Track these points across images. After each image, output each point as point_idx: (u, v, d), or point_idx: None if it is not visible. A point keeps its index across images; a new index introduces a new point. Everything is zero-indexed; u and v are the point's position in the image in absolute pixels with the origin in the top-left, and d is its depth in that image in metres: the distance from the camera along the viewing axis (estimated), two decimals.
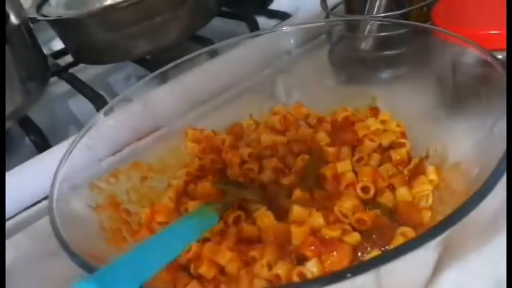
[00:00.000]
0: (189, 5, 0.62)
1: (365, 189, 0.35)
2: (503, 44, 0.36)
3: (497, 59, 0.30)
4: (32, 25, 0.61)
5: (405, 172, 0.36)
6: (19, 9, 0.56)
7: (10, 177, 0.46)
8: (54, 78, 0.68)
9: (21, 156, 0.51)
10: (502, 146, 0.25)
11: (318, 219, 0.32)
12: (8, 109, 0.52)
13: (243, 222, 0.34)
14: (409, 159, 0.37)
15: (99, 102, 0.56)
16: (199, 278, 0.31)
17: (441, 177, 0.34)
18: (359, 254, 0.30)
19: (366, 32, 0.50)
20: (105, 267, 0.21)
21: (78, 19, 0.60)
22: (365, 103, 0.42)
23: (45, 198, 0.45)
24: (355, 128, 0.40)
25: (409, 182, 0.35)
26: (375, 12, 0.50)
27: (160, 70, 0.43)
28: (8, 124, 0.54)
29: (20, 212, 0.46)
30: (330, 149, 0.39)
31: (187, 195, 0.40)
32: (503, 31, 0.36)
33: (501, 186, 0.23)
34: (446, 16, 0.41)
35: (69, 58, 0.71)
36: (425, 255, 0.28)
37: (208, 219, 0.31)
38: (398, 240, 0.30)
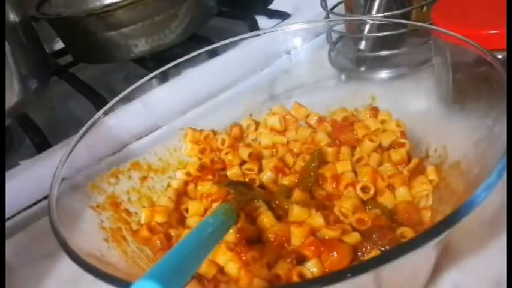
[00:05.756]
0: (189, 5, 0.62)
1: (365, 189, 0.35)
2: (503, 44, 0.36)
3: (497, 59, 0.30)
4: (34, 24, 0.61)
5: (405, 172, 0.36)
6: (20, 7, 0.56)
7: (10, 177, 0.46)
8: (54, 78, 0.68)
9: (21, 156, 0.51)
10: (502, 146, 0.25)
11: (317, 219, 0.32)
12: (6, 106, 0.51)
13: (243, 222, 0.34)
14: (409, 159, 0.37)
15: (99, 102, 0.56)
16: (199, 277, 0.31)
17: (441, 177, 0.34)
18: (359, 254, 0.30)
19: (365, 32, 0.50)
20: (155, 265, 0.21)
21: (77, 18, 0.60)
22: (365, 103, 0.42)
23: (45, 198, 0.45)
24: (354, 128, 0.40)
25: (409, 182, 0.35)
26: (374, 12, 0.50)
27: (160, 70, 0.43)
28: (7, 122, 0.54)
29: (20, 212, 0.46)
30: (330, 149, 0.39)
31: (187, 195, 0.40)
32: (503, 31, 0.36)
33: (501, 186, 0.23)
34: (446, 16, 0.41)
35: (69, 58, 0.71)
36: (425, 255, 0.28)
37: (231, 218, 0.31)
38: (398, 240, 0.30)
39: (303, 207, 0.33)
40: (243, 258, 0.31)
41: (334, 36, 0.52)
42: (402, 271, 0.27)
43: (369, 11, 0.51)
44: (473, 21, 0.39)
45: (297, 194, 0.36)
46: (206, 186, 0.38)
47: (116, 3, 0.58)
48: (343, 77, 0.49)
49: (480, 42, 0.32)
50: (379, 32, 0.49)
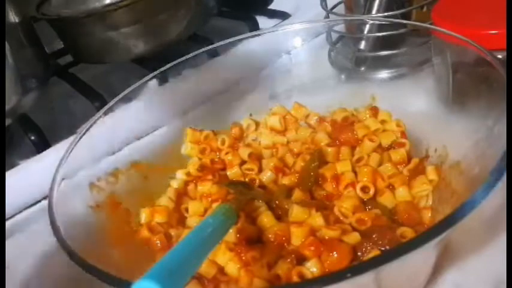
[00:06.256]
0: (189, 5, 0.62)
1: (365, 189, 0.35)
2: (503, 44, 0.36)
3: (497, 59, 0.30)
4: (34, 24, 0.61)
5: (405, 172, 0.36)
6: (20, 7, 0.56)
7: (10, 176, 0.46)
8: (54, 78, 0.68)
9: (21, 155, 0.51)
10: (502, 146, 0.25)
11: (317, 219, 0.32)
12: (6, 106, 0.52)
13: (243, 222, 0.34)
14: (409, 159, 0.37)
15: (99, 102, 0.56)
16: (199, 277, 0.31)
17: (441, 177, 0.34)
18: (359, 254, 0.30)
19: (365, 32, 0.50)
20: (155, 265, 0.21)
21: (77, 18, 0.60)
22: (365, 103, 0.42)
23: (45, 198, 0.45)
24: (354, 128, 0.40)
25: (409, 182, 0.35)
26: (374, 12, 0.51)
27: (160, 70, 0.43)
28: (7, 122, 0.54)
29: (20, 212, 0.46)
30: (330, 149, 0.39)
31: (187, 195, 0.40)
32: (503, 31, 0.36)
33: (501, 186, 0.23)
34: (447, 16, 0.41)
35: (69, 58, 0.71)
36: (425, 255, 0.28)
37: (231, 218, 0.31)
38: (398, 240, 0.30)
39: (303, 207, 0.33)
40: (243, 258, 0.31)
41: (334, 36, 0.52)
42: (402, 271, 0.27)
43: (369, 11, 0.51)
44: (473, 21, 0.39)
45: (297, 194, 0.36)
46: (206, 186, 0.38)
47: (115, 3, 0.58)
48: (343, 77, 0.49)
49: (480, 42, 0.32)
50: (379, 32, 0.49)
